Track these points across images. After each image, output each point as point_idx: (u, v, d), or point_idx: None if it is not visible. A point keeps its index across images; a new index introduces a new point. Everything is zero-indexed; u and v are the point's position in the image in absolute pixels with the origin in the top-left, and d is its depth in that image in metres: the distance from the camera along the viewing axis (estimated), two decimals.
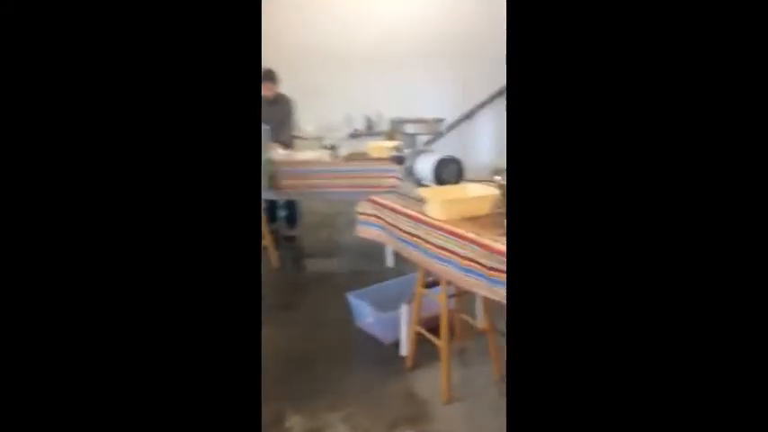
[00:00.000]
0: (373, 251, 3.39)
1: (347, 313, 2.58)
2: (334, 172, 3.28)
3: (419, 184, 2.13)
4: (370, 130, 5.08)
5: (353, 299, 2.54)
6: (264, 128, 3.01)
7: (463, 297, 2.12)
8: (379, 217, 2.12)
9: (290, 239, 3.95)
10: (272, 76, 3.60)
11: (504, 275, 1.46)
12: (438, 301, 1.98)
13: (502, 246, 1.48)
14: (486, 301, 1.98)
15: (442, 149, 2.28)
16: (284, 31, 4.79)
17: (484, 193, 1.89)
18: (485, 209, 1.81)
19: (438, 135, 4.71)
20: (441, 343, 1.97)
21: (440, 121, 2.27)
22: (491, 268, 1.51)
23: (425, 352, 2.18)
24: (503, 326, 2.31)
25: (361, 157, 3.45)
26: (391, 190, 2.48)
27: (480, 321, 2.19)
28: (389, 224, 2.04)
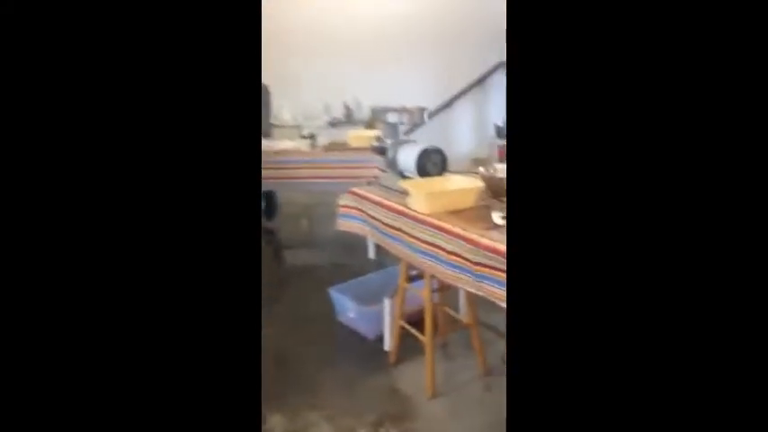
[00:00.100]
0: (354, 242, 3.33)
1: (329, 307, 2.53)
2: (313, 162, 3.21)
3: (402, 175, 2.08)
4: (349, 119, 4.99)
5: (335, 293, 2.49)
6: None
7: (446, 291, 2.09)
8: (360, 210, 2.06)
9: (269, 232, 3.87)
10: None
11: (489, 270, 1.43)
12: (421, 295, 1.95)
13: (488, 241, 1.45)
14: (469, 294, 1.95)
15: (422, 139, 2.22)
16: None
17: (468, 185, 1.85)
18: (469, 201, 1.77)
19: (417, 125, 4.66)
20: (425, 338, 1.94)
21: (423, 110, 2.21)
22: (477, 263, 1.47)
23: (408, 346, 2.15)
24: (486, 319, 2.30)
25: (341, 147, 3.36)
26: (373, 181, 2.43)
27: (464, 315, 2.16)
28: (371, 217, 1.99)
